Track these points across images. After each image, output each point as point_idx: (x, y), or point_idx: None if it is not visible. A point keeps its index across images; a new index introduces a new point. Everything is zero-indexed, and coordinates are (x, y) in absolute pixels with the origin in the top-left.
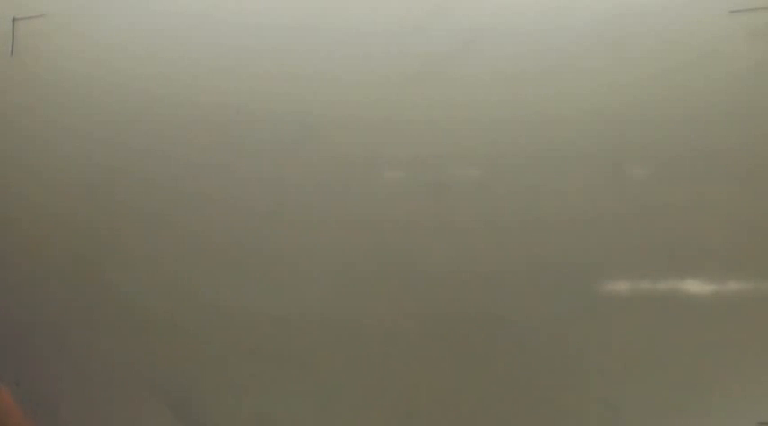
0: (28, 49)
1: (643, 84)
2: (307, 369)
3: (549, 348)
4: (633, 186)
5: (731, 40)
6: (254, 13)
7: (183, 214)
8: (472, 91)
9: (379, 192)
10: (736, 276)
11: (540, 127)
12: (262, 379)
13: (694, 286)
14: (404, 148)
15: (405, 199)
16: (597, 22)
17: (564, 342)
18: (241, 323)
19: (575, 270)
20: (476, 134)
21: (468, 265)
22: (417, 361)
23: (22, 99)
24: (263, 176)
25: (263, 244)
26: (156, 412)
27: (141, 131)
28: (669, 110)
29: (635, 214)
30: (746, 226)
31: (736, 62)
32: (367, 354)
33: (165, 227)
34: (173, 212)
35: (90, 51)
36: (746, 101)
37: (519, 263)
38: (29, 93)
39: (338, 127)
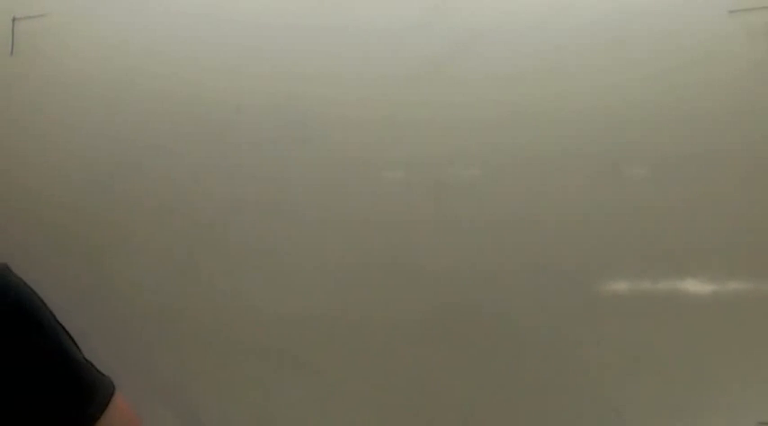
0: (28, 49)
1: (643, 84)
2: (307, 369)
3: (549, 347)
4: (633, 186)
5: (731, 40)
6: (254, 13)
7: (182, 214)
8: (472, 91)
9: (380, 192)
10: (736, 276)
11: (540, 127)
12: (262, 379)
13: (694, 286)
14: (404, 148)
15: (405, 199)
16: (597, 22)
17: (563, 342)
18: (241, 322)
19: (574, 269)
20: (476, 134)
21: (469, 264)
22: (417, 361)
23: (22, 99)
24: (262, 175)
25: (262, 243)
26: (155, 411)
27: (141, 131)
28: (669, 110)
29: (635, 214)
30: (746, 226)
31: (736, 62)
32: (366, 353)
33: (164, 227)
34: (172, 213)
35: (90, 51)
36: (746, 101)
37: (519, 263)
38: (29, 92)
39: (338, 126)
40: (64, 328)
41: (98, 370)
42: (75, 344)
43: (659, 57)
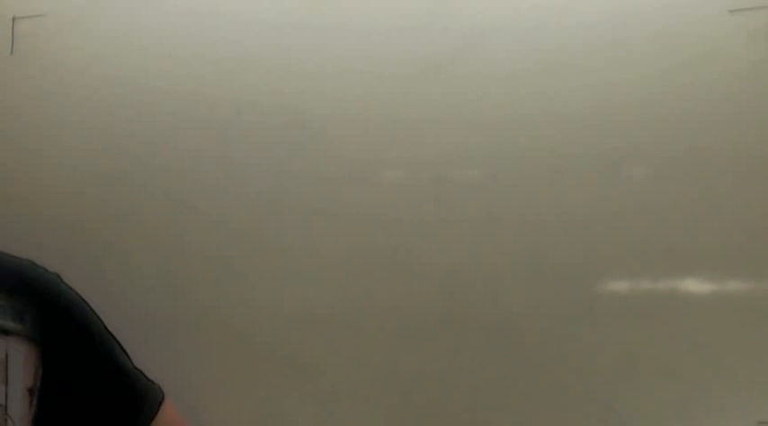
0: (28, 49)
1: (643, 84)
2: (307, 367)
3: (549, 347)
4: (633, 185)
5: (731, 40)
6: (255, 12)
7: (182, 213)
8: (473, 90)
9: (381, 190)
10: (736, 276)
11: (541, 126)
12: (262, 379)
13: (694, 286)
14: (405, 147)
15: (406, 197)
16: (597, 22)
17: (563, 341)
18: (242, 321)
19: (574, 268)
20: (476, 133)
21: (469, 264)
22: (418, 360)
23: (22, 99)
24: (262, 174)
25: (262, 242)
26: None
27: (140, 131)
28: (669, 110)
29: (635, 213)
30: (746, 226)
31: (736, 62)
32: (366, 353)
33: (165, 226)
34: (172, 211)
35: (90, 51)
36: (746, 101)
37: (519, 262)
38: (29, 93)
39: (339, 126)
40: (114, 337)
41: (147, 378)
42: (125, 353)
43: (659, 57)
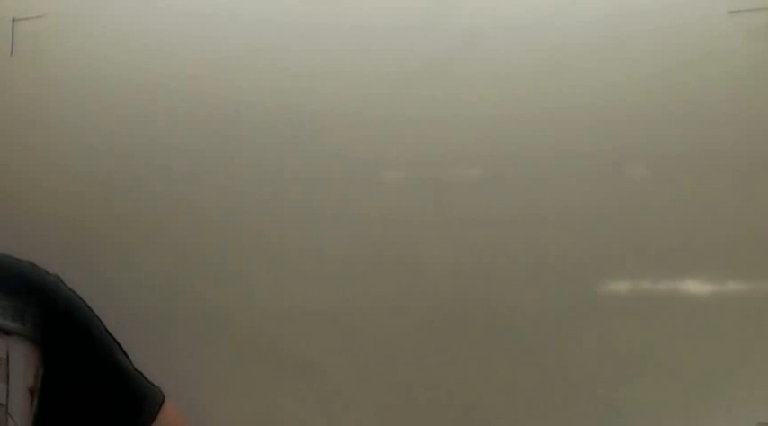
0: (28, 49)
1: (643, 84)
2: (307, 367)
3: (548, 347)
4: (633, 185)
5: (731, 40)
6: (254, 12)
7: (182, 213)
8: (473, 90)
9: (381, 190)
10: (736, 276)
11: (541, 126)
12: (262, 378)
13: (694, 286)
14: (405, 146)
15: (406, 197)
16: (597, 22)
17: (563, 341)
18: (242, 321)
19: (574, 268)
20: (476, 133)
21: (469, 263)
22: (418, 360)
23: (22, 99)
24: (262, 173)
25: (262, 242)
26: None
27: (140, 131)
28: (669, 110)
29: (635, 213)
30: (746, 226)
31: (736, 62)
32: (367, 352)
33: (164, 226)
34: (171, 211)
35: (90, 51)
36: (746, 101)
37: (519, 262)
38: (29, 93)
39: (339, 125)
40: (114, 339)
41: (147, 380)
42: (126, 354)
43: (659, 56)
